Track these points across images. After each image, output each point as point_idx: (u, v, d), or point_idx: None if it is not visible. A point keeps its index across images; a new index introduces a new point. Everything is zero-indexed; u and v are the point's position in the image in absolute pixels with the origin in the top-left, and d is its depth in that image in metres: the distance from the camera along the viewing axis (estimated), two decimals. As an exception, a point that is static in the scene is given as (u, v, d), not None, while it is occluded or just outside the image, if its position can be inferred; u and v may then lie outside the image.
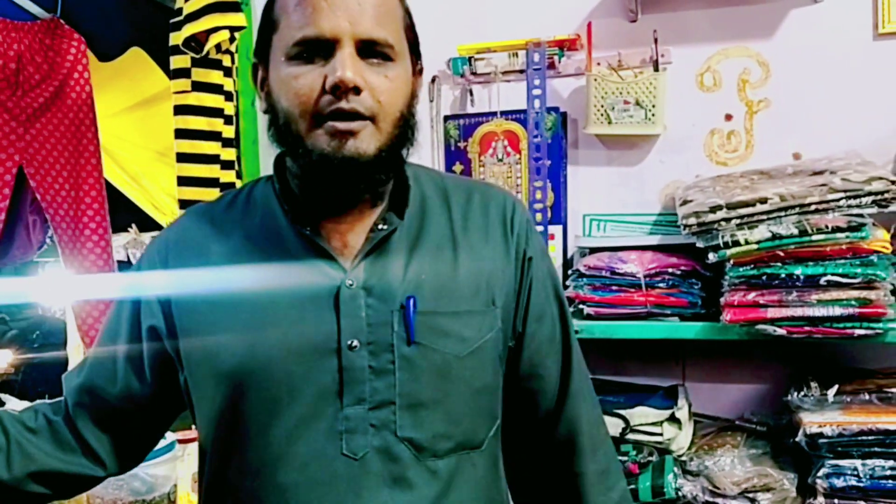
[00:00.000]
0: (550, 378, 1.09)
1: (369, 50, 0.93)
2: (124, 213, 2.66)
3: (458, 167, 2.04)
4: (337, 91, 0.90)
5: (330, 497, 0.93)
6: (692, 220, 1.62)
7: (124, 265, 2.63)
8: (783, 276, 1.54)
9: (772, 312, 1.56)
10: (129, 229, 2.68)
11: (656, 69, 1.82)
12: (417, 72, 1.03)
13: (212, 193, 1.76)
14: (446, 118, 2.04)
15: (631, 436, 1.74)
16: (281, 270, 0.98)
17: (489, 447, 1.02)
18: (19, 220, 1.86)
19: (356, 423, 0.94)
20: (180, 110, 1.72)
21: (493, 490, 1.04)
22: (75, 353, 2.63)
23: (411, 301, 0.96)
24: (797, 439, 1.57)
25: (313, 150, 0.93)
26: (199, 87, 1.70)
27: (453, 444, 0.98)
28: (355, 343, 0.94)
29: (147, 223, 2.71)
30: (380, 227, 1.00)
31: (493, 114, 2.00)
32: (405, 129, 0.98)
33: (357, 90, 0.90)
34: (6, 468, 1.01)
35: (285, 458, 0.94)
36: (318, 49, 0.92)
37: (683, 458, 1.71)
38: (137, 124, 2.54)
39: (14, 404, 2.23)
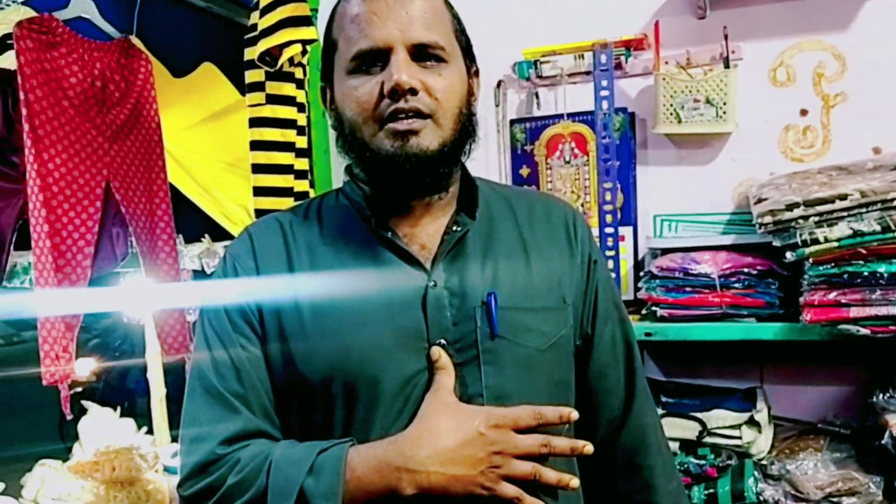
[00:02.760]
0: (616, 378, 1.13)
1: (422, 53, 0.98)
2: (197, 224, 2.74)
3: (524, 170, 2.04)
4: (395, 94, 0.95)
5: None
6: (768, 219, 1.59)
7: (199, 274, 2.71)
8: (866, 273, 1.50)
9: (854, 312, 1.51)
10: (202, 239, 2.75)
11: (727, 66, 1.79)
12: (473, 73, 1.07)
13: (286, 203, 1.80)
14: (512, 122, 2.05)
15: (708, 439, 1.71)
16: (366, 274, 1.01)
17: None
18: (104, 233, 1.94)
19: None
20: (255, 123, 1.77)
21: None
22: (154, 360, 2.71)
23: (492, 297, 0.99)
24: (883, 441, 1.53)
25: (379, 152, 0.97)
26: (273, 99, 1.74)
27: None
28: (442, 342, 0.98)
29: (219, 233, 2.78)
30: (454, 228, 1.04)
31: (560, 116, 1.99)
32: (465, 125, 1.02)
33: (413, 91, 0.95)
34: None
35: None
36: (374, 59, 0.97)
37: (764, 462, 1.68)
38: (209, 137, 2.61)
39: (96, 411, 2.32)
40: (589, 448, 0.96)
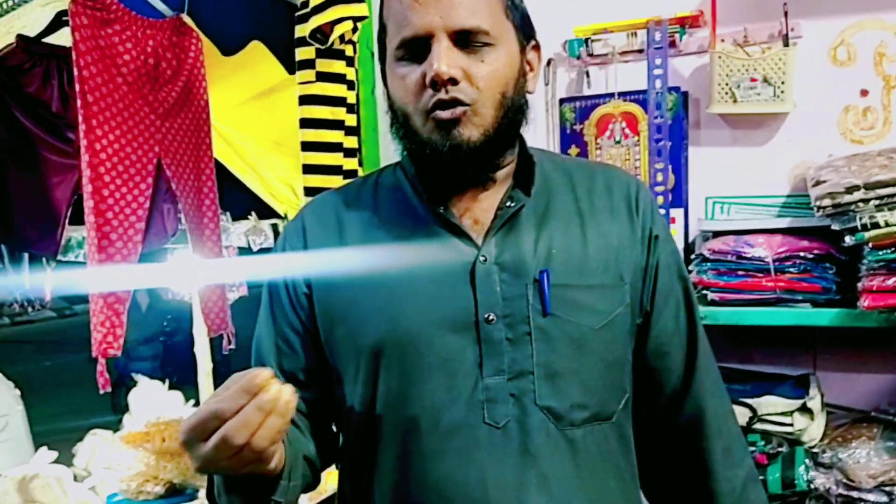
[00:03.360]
0: (676, 356, 1.10)
1: (465, 39, 0.96)
2: (244, 202, 2.77)
3: (573, 150, 2.01)
4: (435, 85, 0.94)
5: (472, 465, 0.96)
6: (826, 202, 1.54)
7: (245, 251, 2.74)
8: (927, 260, 1.46)
9: (915, 299, 1.47)
10: (248, 217, 2.78)
11: (786, 44, 1.74)
12: (532, 48, 1.05)
13: (336, 181, 1.81)
14: (562, 101, 2.02)
15: (758, 425, 1.68)
16: (417, 248, 1.01)
17: (618, 420, 1.04)
18: (155, 209, 1.97)
19: (496, 392, 0.97)
20: (305, 100, 1.77)
21: (623, 463, 1.06)
22: (200, 335, 2.76)
23: (545, 274, 0.99)
24: (941, 432, 1.49)
25: (426, 144, 0.97)
26: (323, 77, 1.74)
27: (588, 414, 1.00)
28: (492, 316, 0.97)
29: (265, 211, 2.80)
30: (508, 204, 1.03)
31: (611, 95, 1.96)
32: (511, 109, 1.00)
33: (454, 81, 0.94)
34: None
35: (428, 429, 0.97)
36: (417, 47, 0.96)
37: (815, 450, 1.65)
38: (256, 115, 2.62)
39: (145, 382, 2.37)
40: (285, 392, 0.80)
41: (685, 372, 1.10)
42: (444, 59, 0.94)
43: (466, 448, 0.96)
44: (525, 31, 1.04)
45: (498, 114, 0.98)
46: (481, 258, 0.99)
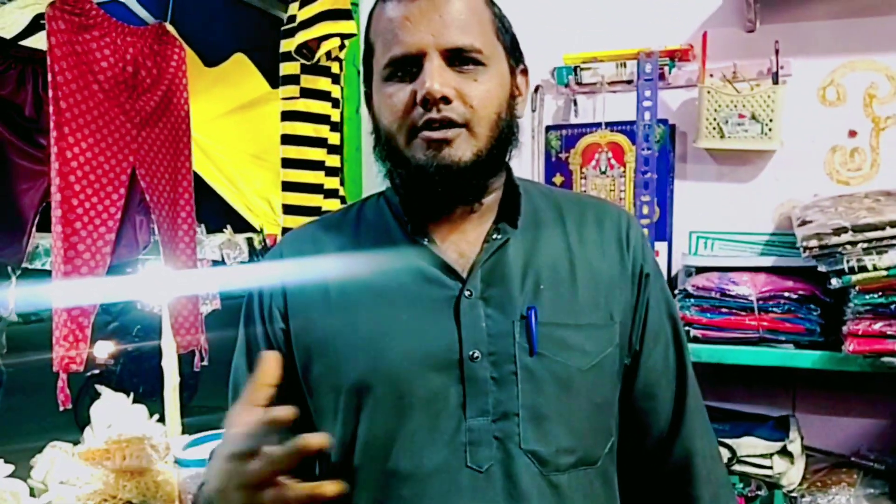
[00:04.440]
0: (665, 398, 1.06)
1: (457, 58, 0.94)
2: (219, 214, 2.72)
3: (558, 178, 1.99)
4: (427, 104, 0.91)
5: None
6: (813, 243, 1.53)
7: (219, 264, 2.68)
8: (914, 306, 1.44)
9: (900, 344, 1.45)
10: (223, 230, 2.72)
11: (775, 82, 1.73)
12: (521, 72, 1.03)
13: (316, 199, 1.76)
14: (548, 128, 2.00)
15: (737, 467, 1.65)
16: (399, 281, 0.97)
17: (603, 464, 1.00)
18: (127, 220, 1.91)
19: (480, 434, 0.92)
20: (288, 116, 1.73)
21: None
22: (169, 348, 2.69)
23: (533, 312, 0.95)
24: (922, 481, 1.47)
25: (411, 162, 0.94)
26: (307, 93, 1.70)
27: (574, 459, 0.96)
28: (476, 354, 0.93)
29: (241, 225, 2.75)
30: (494, 237, 0.99)
31: (598, 125, 1.94)
32: (504, 131, 0.97)
33: (446, 100, 0.91)
34: None
35: (408, 472, 0.93)
36: (408, 65, 0.94)
37: (794, 494, 1.62)
38: (236, 128, 2.58)
39: (108, 395, 2.29)
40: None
41: (674, 414, 1.06)
42: (437, 77, 0.91)
43: (447, 492, 0.92)
44: (515, 54, 1.02)
45: (492, 135, 0.95)
46: (466, 293, 0.95)
